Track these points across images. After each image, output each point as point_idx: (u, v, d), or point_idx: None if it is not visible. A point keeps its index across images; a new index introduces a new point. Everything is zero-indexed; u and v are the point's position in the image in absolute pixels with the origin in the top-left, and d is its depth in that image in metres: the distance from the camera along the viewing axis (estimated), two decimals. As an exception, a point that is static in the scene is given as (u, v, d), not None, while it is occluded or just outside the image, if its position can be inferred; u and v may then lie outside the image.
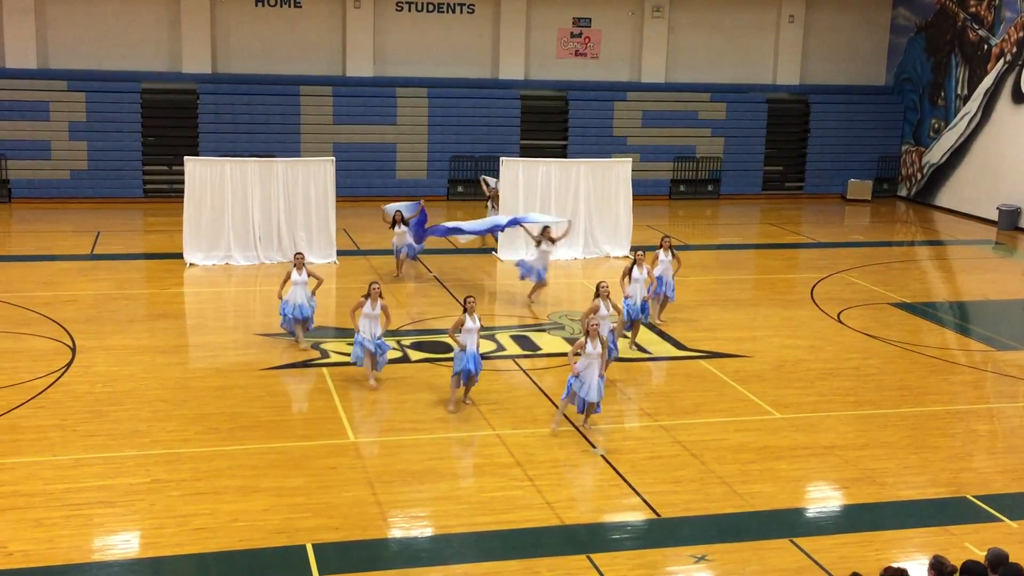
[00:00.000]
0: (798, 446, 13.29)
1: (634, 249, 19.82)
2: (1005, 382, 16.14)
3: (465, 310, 13.85)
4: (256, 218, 22.02)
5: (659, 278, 17.68)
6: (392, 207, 21.53)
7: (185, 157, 22.38)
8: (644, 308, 16.69)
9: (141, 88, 28.49)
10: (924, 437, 13.73)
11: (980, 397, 15.40)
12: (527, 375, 15.53)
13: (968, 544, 10.70)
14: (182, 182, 22.22)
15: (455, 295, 19.50)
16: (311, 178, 22.24)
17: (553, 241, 19.82)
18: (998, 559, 8.19)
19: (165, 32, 29.08)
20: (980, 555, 8.99)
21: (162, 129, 28.69)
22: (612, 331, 14.68)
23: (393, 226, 21.01)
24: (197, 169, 21.85)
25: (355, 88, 29.85)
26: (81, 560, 10.03)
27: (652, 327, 17.68)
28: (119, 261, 22.07)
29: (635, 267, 16.55)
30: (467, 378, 13.89)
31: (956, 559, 8.26)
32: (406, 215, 21.08)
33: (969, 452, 13.36)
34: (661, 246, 18.04)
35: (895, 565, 8.04)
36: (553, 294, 20.48)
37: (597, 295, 14.54)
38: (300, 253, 17.17)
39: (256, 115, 28.98)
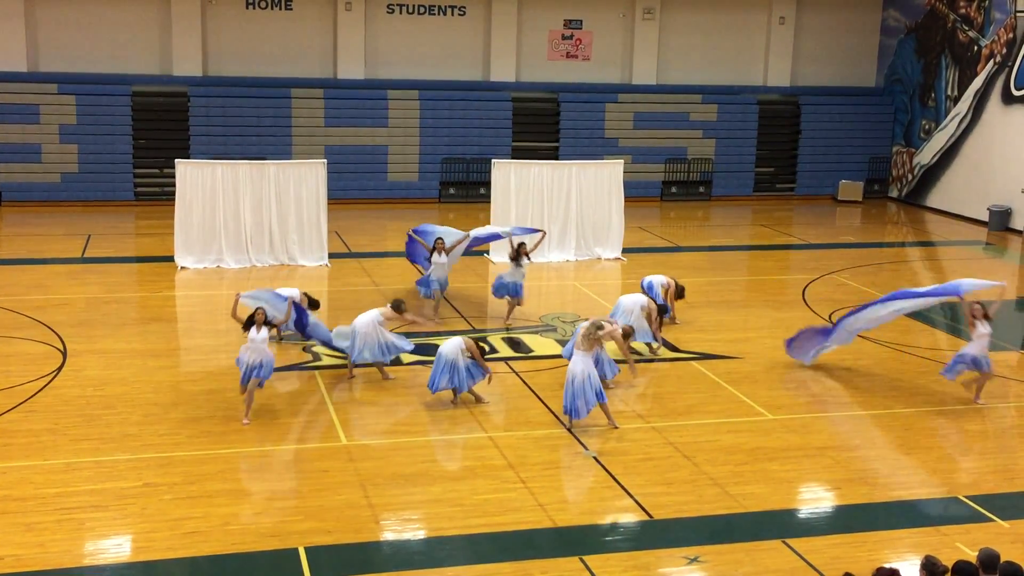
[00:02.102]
0: (790, 447, 13.31)
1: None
2: (996, 382, 16.14)
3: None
4: (247, 221, 21.99)
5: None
6: (430, 230, 19.49)
7: (176, 160, 22.35)
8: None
9: (132, 91, 28.43)
10: (916, 438, 13.76)
11: (971, 398, 15.43)
12: (520, 377, 15.53)
13: (960, 544, 10.73)
14: (173, 185, 22.18)
15: (450, 302, 19.47)
16: (303, 181, 22.22)
17: (529, 257, 18.53)
18: (990, 559, 8.22)
19: (156, 35, 29.04)
20: (972, 555, 9.00)
21: (153, 132, 28.64)
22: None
23: (431, 256, 18.46)
24: (188, 172, 21.81)
25: (346, 91, 29.83)
26: (73, 564, 10.01)
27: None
28: (110, 264, 22.02)
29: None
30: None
31: (948, 559, 8.28)
32: (448, 243, 18.56)
33: (961, 452, 13.40)
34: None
35: (887, 566, 8.06)
36: (545, 296, 20.49)
37: None
38: (261, 309, 13.99)
39: (247, 118, 28.94)
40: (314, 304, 16.36)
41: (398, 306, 14.99)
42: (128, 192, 28.49)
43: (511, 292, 18.22)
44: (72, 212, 27.27)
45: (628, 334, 15.09)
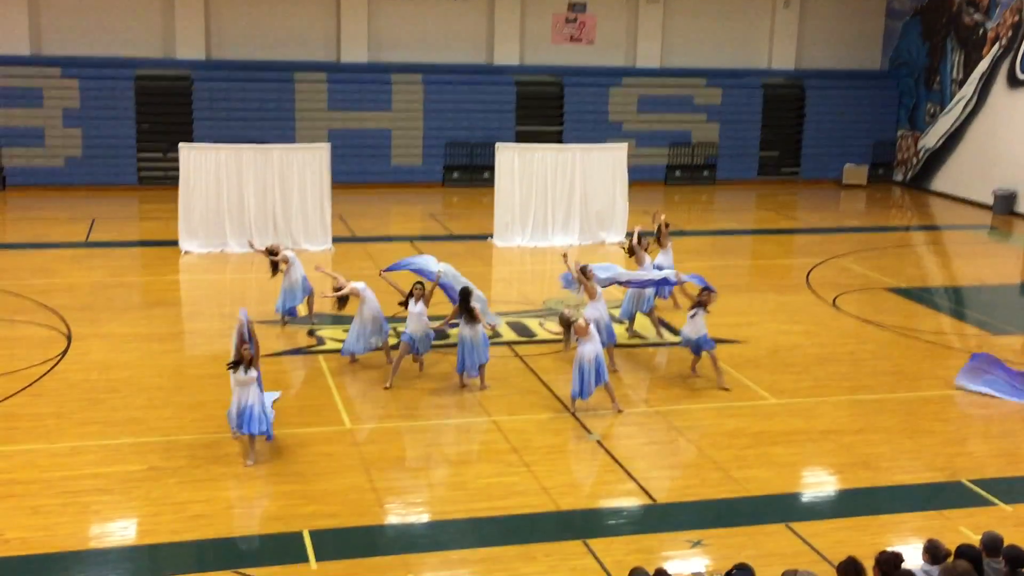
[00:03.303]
0: (793, 431, 13.32)
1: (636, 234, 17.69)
2: (1000, 367, 16.16)
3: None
4: (251, 205, 21.99)
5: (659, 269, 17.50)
6: (417, 265, 15.72)
7: (180, 144, 22.34)
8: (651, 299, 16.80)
9: (135, 75, 28.39)
10: (919, 422, 13.77)
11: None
12: (523, 361, 15.54)
13: (963, 528, 10.74)
14: (177, 169, 22.18)
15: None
16: (306, 165, 22.21)
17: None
18: (993, 543, 8.23)
19: (159, 18, 28.96)
20: (975, 539, 9.02)
21: (156, 116, 28.60)
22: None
23: (406, 302, 14.46)
24: (192, 156, 21.80)
25: (350, 74, 29.77)
26: (78, 547, 10.05)
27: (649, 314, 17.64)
28: (114, 248, 22.04)
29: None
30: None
31: (951, 543, 8.29)
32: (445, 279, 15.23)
33: (964, 436, 13.40)
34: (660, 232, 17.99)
35: (890, 549, 8.07)
36: (549, 281, 20.47)
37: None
38: (420, 284, 14.24)
39: (251, 101, 28.90)
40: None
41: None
42: (132, 176, 28.49)
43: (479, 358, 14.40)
44: (76, 196, 27.27)
45: (593, 292, 14.87)
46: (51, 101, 27.71)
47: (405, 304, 14.35)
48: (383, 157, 30.00)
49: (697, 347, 14.64)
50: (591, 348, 13.30)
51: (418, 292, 14.29)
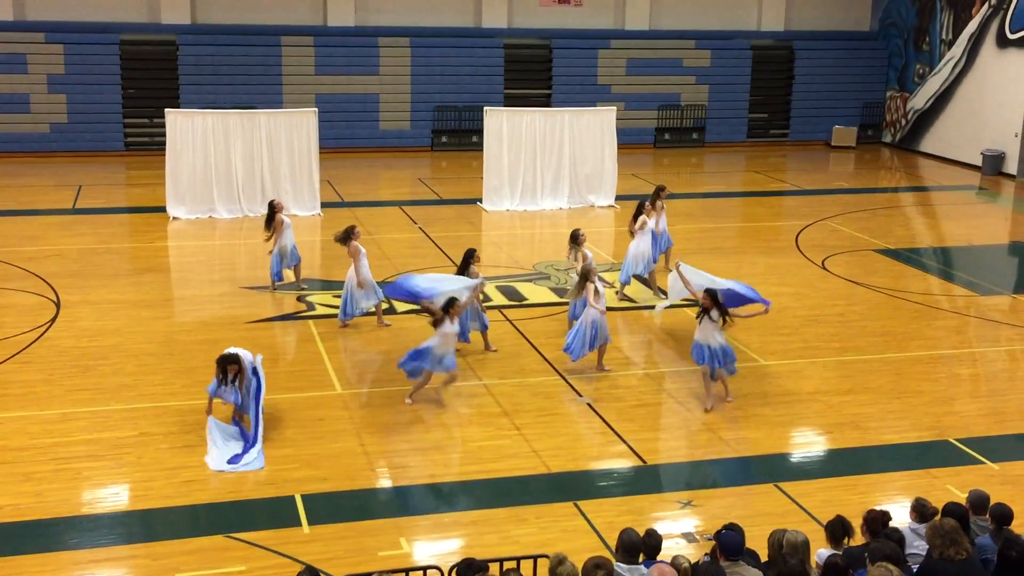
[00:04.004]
0: (783, 392, 13.39)
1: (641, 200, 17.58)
2: (987, 327, 16.25)
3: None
4: (239, 171, 21.89)
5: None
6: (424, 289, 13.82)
7: (166, 110, 22.19)
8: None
9: (120, 40, 28.12)
10: (907, 382, 13.85)
11: (963, 342, 15.51)
12: (513, 325, 15.56)
13: (950, 487, 10.84)
14: (163, 135, 22.04)
15: (442, 248, 19.44)
16: (294, 130, 22.09)
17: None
18: (980, 500, 8.30)
19: (143, -18, 28.68)
20: (962, 497, 9.10)
21: (142, 81, 28.39)
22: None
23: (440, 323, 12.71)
24: (179, 122, 21.66)
25: (337, 38, 29.54)
26: (71, 513, 10.08)
27: (640, 277, 17.65)
28: (102, 215, 21.94)
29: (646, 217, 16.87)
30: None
31: (938, 501, 8.36)
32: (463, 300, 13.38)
33: (952, 396, 13.48)
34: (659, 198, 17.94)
35: (878, 508, 8.14)
36: (539, 244, 20.49)
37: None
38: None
39: (237, 66, 28.68)
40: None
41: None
42: (118, 142, 28.31)
43: (442, 368, 12.85)
44: (62, 163, 27.10)
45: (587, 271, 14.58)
46: (35, 67, 27.46)
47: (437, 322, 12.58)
48: (371, 122, 29.85)
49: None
50: (594, 313, 13.31)
51: (455, 310, 12.63)
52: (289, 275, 17.05)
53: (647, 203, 17.45)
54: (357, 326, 15.31)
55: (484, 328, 14.46)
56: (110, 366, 13.66)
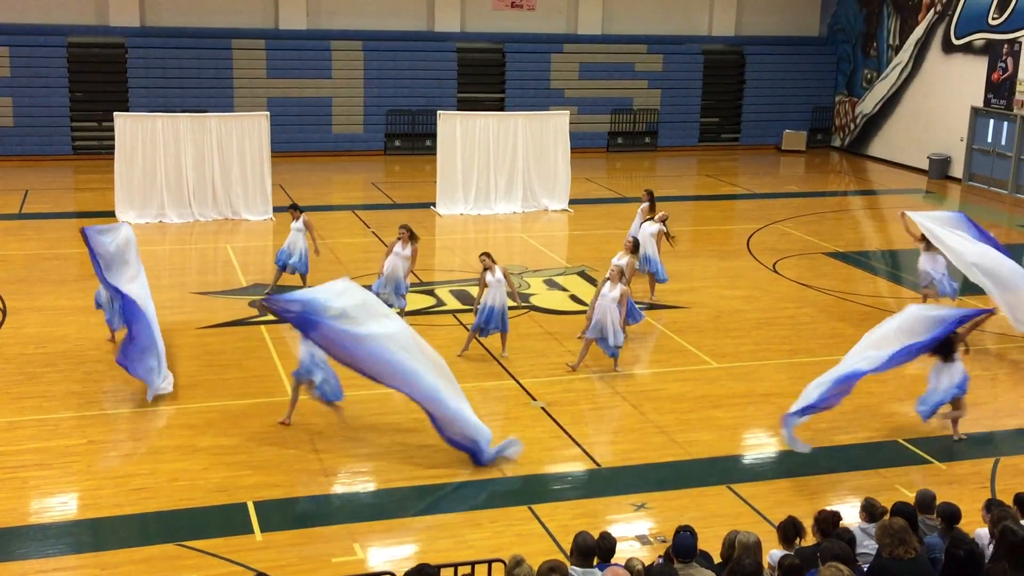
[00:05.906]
0: (735, 395, 13.50)
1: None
2: (935, 328, 16.46)
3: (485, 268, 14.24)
4: (190, 175, 21.69)
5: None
6: None
7: (115, 113, 21.93)
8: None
9: (67, 42, 27.74)
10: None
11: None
12: (467, 329, 15.51)
13: (899, 486, 10.99)
14: (112, 139, 21.78)
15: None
16: (245, 134, 21.93)
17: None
18: (926, 500, 8.44)
19: (91, -16, 28.33)
20: (910, 497, 9.23)
21: (90, 84, 28.02)
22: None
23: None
24: (128, 125, 21.42)
25: (288, 41, 29.36)
26: (17, 523, 9.92)
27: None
28: (49, 220, 21.62)
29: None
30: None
31: (887, 501, 8.46)
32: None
33: (900, 397, 13.64)
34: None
35: (828, 508, 8.23)
36: (492, 248, 20.39)
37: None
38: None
39: (187, 69, 28.40)
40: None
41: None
42: (66, 146, 27.92)
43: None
44: (8, 167, 26.66)
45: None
46: (-20, 69, 27.04)
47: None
48: (324, 126, 29.68)
49: None
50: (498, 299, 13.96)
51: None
52: (269, 279, 17.00)
53: (646, 205, 17.77)
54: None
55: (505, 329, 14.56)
56: (58, 373, 13.45)
